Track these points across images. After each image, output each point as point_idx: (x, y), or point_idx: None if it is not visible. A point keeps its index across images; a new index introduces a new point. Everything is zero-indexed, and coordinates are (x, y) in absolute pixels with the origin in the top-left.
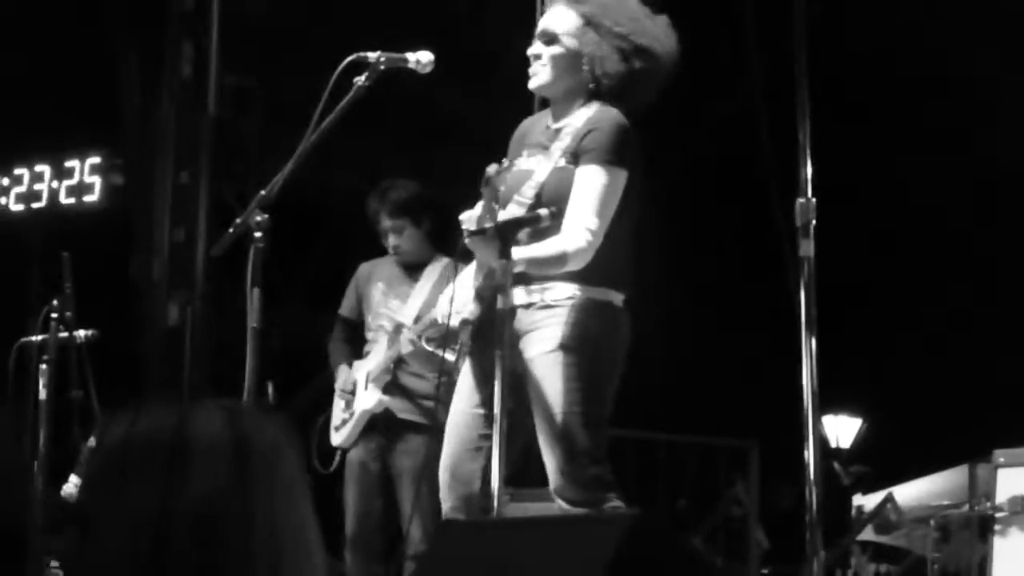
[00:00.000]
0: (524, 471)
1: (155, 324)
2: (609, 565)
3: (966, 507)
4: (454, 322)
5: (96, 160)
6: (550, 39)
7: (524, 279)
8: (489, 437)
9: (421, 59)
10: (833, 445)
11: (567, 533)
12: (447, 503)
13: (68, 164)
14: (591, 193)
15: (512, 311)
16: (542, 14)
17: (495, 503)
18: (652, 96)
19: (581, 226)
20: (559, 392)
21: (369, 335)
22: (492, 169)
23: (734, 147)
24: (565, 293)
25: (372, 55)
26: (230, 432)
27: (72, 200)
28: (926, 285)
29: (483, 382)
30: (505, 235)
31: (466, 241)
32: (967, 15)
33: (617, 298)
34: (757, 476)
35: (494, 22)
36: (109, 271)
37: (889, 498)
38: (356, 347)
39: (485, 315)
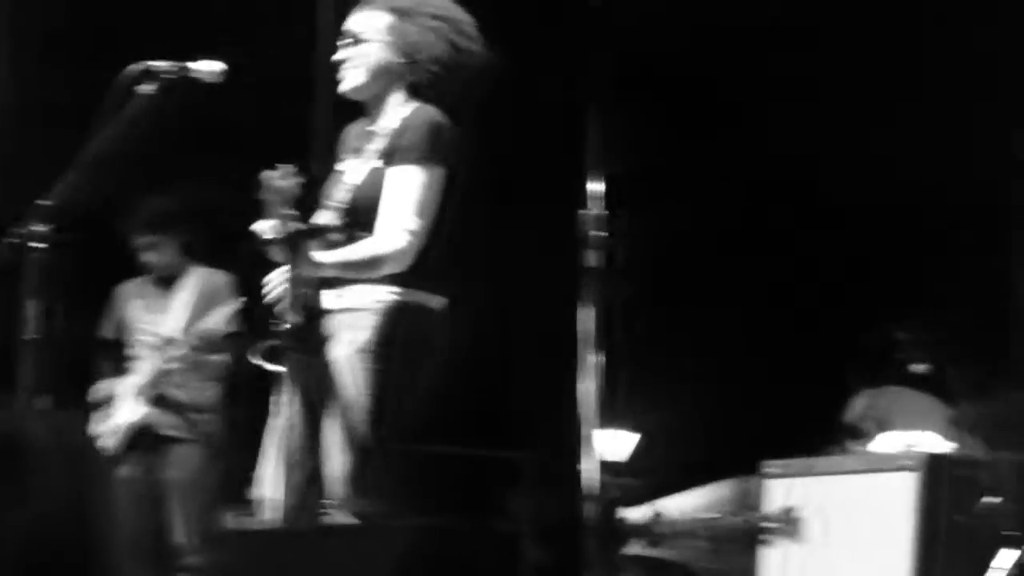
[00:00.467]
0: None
1: None
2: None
3: (731, 517)
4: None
5: None
6: (358, 41)
7: (333, 283)
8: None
9: (210, 68)
10: (608, 459)
11: (351, 543)
12: (268, 515)
13: None
14: (408, 192)
15: (319, 318)
16: (335, 17)
17: (301, 515)
18: (468, 94)
19: (399, 227)
20: (354, 397)
21: (131, 352)
22: (269, 175)
23: (529, 156)
24: (373, 296)
25: (160, 64)
26: (59, 437)
27: None
28: (703, 302)
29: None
30: (296, 245)
31: (264, 249)
32: None
33: (432, 301)
34: (533, 489)
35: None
36: None
37: (658, 511)
38: (121, 367)
39: (299, 323)
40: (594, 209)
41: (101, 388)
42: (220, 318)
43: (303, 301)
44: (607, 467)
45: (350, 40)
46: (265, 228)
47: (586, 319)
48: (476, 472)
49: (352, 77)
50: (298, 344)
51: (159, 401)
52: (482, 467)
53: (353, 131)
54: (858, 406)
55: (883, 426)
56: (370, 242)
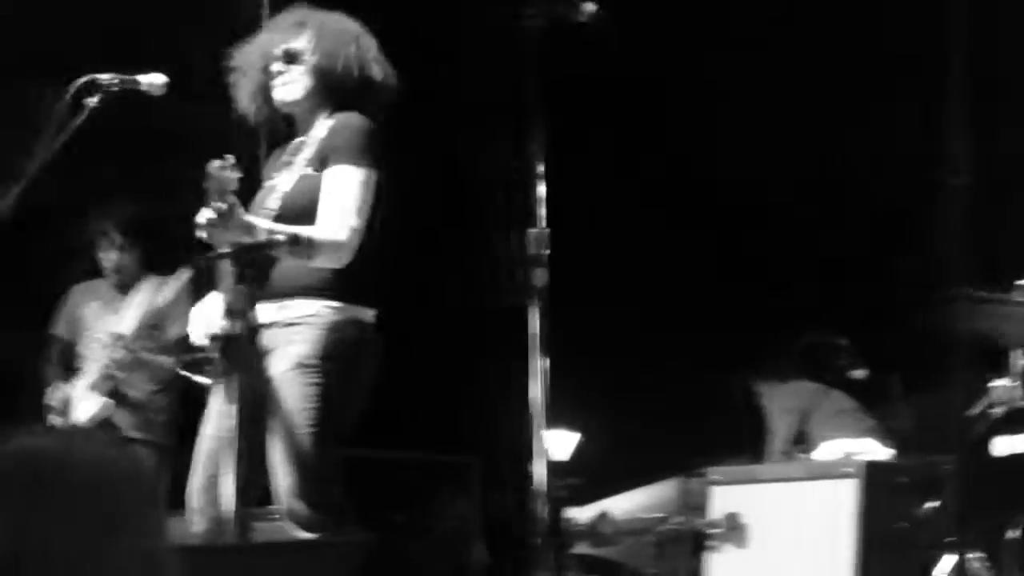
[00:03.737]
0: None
1: None
2: None
3: (676, 519)
4: (202, 338)
5: None
6: (292, 58)
7: (270, 295)
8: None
9: (154, 81)
10: (552, 459)
11: (305, 559)
12: (199, 527)
13: None
14: (347, 191)
15: (255, 331)
16: (258, 23)
17: (234, 528)
18: (380, 113)
19: (340, 222)
20: (296, 411)
21: (82, 351)
22: (215, 166)
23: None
24: (309, 310)
25: (105, 77)
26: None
27: None
28: (642, 299)
29: (232, 404)
30: (240, 261)
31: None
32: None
33: (365, 315)
34: (480, 492)
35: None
36: None
37: (604, 511)
38: (70, 367)
39: (234, 333)
40: (539, 228)
41: (57, 390)
42: (179, 327)
43: (240, 313)
44: (551, 467)
45: (285, 57)
46: (203, 217)
47: (532, 323)
48: (422, 477)
49: (287, 91)
50: (233, 355)
51: (116, 398)
52: (428, 472)
53: (282, 147)
54: (788, 405)
55: (819, 430)
56: (315, 227)
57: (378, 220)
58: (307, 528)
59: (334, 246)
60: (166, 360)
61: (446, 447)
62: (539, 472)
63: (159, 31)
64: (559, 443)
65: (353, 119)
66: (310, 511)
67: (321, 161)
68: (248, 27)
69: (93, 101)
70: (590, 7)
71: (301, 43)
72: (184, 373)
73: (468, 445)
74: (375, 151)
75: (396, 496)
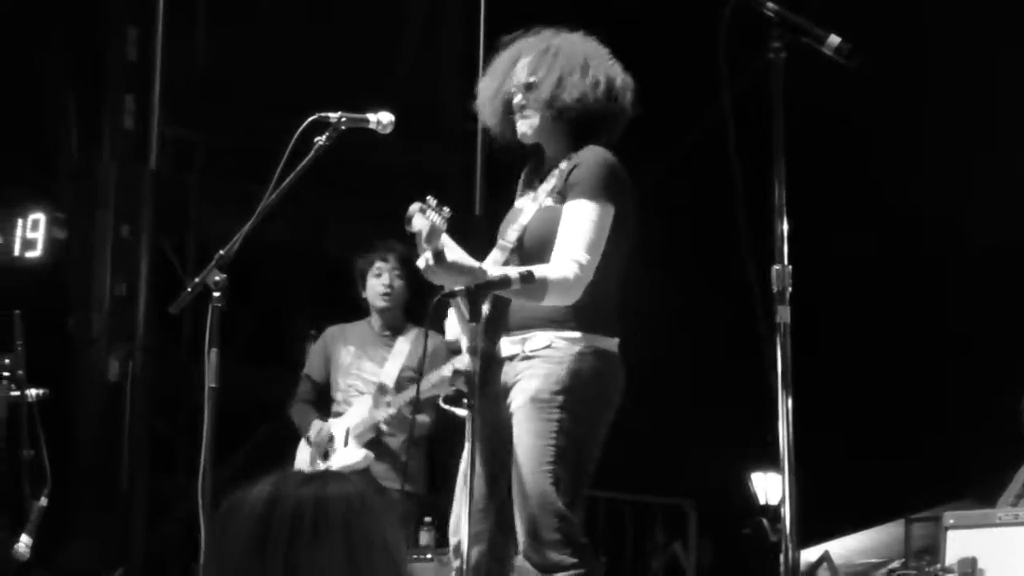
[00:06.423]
0: None
1: (95, 379)
2: None
3: (897, 563)
4: (446, 373)
5: (38, 215)
6: (527, 89)
7: (508, 329)
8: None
9: (382, 119)
10: (762, 502)
11: None
12: (457, 563)
13: (10, 219)
14: (580, 227)
15: (499, 365)
16: (482, 61)
17: (465, 564)
18: (616, 138)
19: (569, 257)
20: (531, 447)
21: (338, 395)
22: (414, 208)
23: (710, 207)
24: (544, 342)
25: (333, 115)
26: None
27: (15, 255)
28: (858, 341)
29: (484, 439)
30: (475, 298)
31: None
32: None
33: (607, 343)
34: (695, 534)
35: (428, 72)
36: (50, 327)
37: (826, 556)
38: (321, 408)
39: (476, 370)
40: (784, 263)
41: (319, 429)
42: (437, 380)
43: (472, 350)
44: (763, 510)
45: (521, 89)
46: (422, 262)
47: (782, 372)
48: (641, 517)
49: (526, 125)
50: (475, 391)
51: (374, 447)
52: (646, 512)
53: (529, 168)
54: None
55: None
56: (543, 266)
57: (620, 253)
58: (540, 568)
59: (562, 284)
60: (425, 419)
61: (664, 489)
62: (782, 515)
63: (380, 70)
64: (770, 486)
65: (594, 154)
66: (542, 551)
67: (562, 193)
68: (464, 65)
69: (321, 139)
70: (835, 40)
71: (537, 74)
72: (445, 406)
73: (685, 488)
74: (615, 185)
75: (612, 536)
